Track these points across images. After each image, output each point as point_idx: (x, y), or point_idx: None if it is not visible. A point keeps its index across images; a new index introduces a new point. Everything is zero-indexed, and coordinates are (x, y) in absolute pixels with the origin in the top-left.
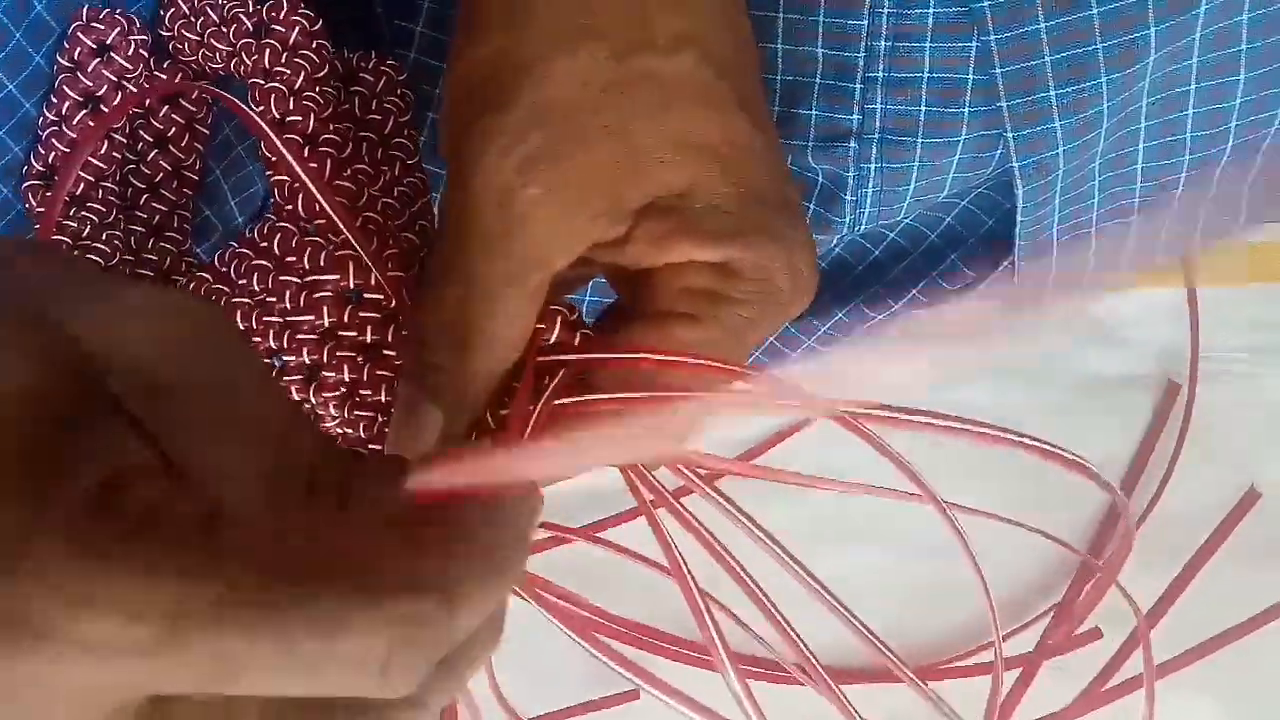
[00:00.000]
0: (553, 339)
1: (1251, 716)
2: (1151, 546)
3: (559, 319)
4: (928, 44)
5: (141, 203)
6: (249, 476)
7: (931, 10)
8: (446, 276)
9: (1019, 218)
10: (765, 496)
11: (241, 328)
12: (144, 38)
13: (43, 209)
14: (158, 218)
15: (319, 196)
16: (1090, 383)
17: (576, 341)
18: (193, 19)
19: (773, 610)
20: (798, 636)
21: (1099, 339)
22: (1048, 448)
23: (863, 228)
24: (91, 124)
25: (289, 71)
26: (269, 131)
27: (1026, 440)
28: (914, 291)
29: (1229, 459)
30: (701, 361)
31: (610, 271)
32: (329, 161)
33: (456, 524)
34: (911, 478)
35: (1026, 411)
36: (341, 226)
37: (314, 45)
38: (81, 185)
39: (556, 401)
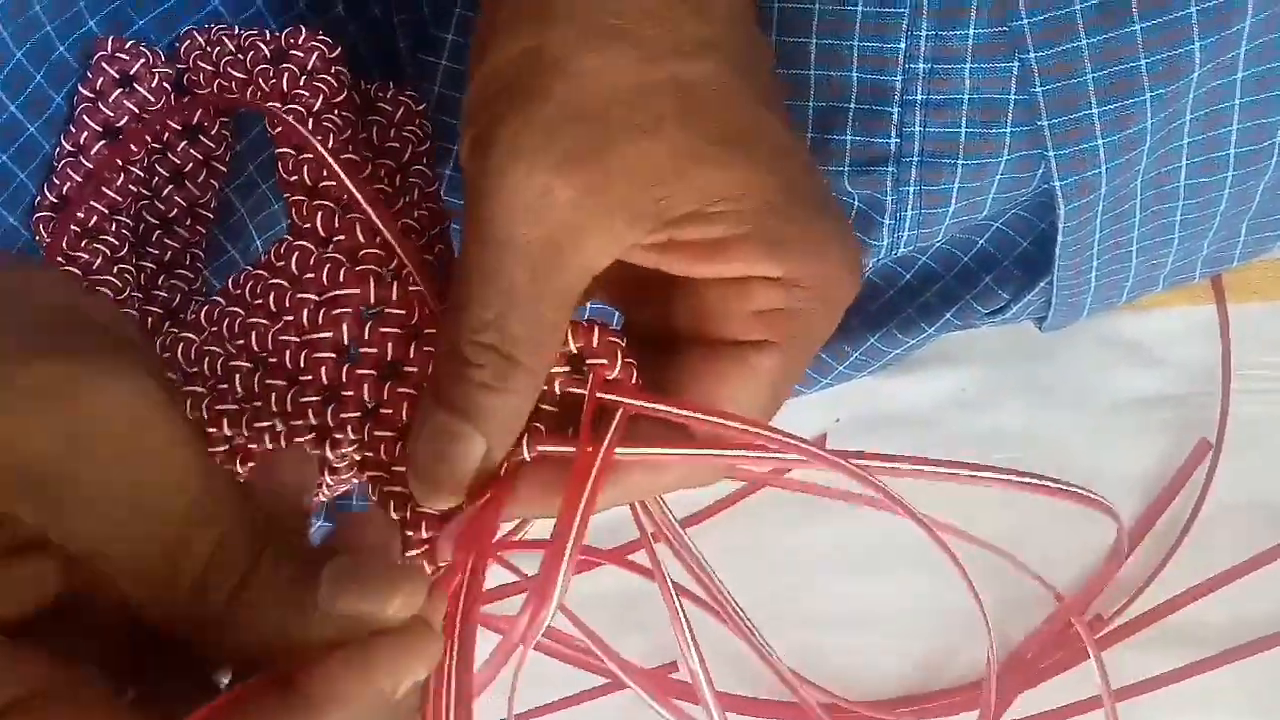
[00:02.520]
0: (614, 374)
1: None
2: (1189, 561)
3: (619, 352)
4: (967, 65)
5: (154, 239)
6: (137, 572)
7: (971, 31)
8: (483, 291)
9: (1060, 238)
10: (813, 516)
11: (256, 349)
12: (168, 70)
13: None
14: (170, 254)
15: (353, 190)
16: (1125, 402)
17: (635, 379)
18: (209, 49)
19: (760, 645)
20: (792, 672)
21: (1134, 358)
22: (1045, 483)
23: (900, 251)
24: (108, 153)
25: (307, 94)
26: (299, 127)
27: (1030, 480)
28: (948, 315)
29: (1267, 476)
30: (776, 436)
31: (631, 286)
32: (353, 169)
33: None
34: (921, 524)
35: (1061, 432)
36: (375, 218)
37: (332, 71)
38: (95, 217)
39: (618, 453)
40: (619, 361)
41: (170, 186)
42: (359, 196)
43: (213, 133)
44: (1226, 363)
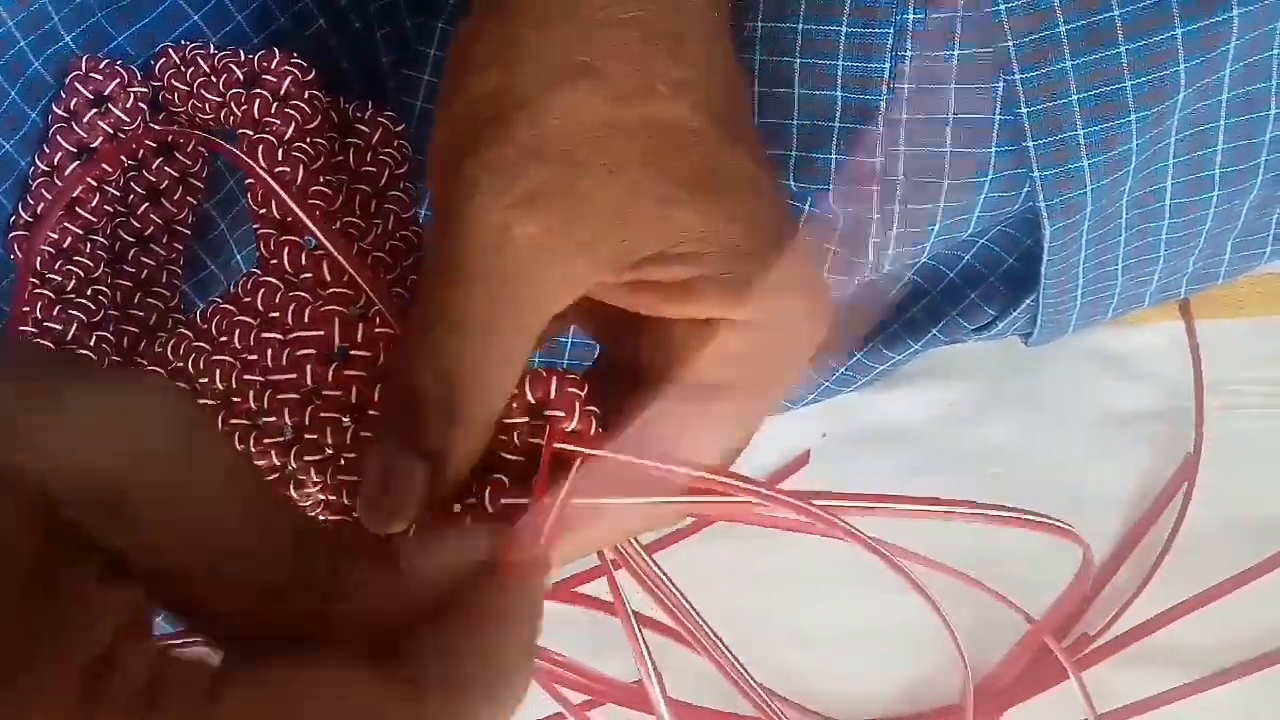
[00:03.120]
0: (573, 425)
1: None
2: (1174, 577)
3: (576, 404)
4: (952, 85)
5: (130, 257)
6: (218, 574)
7: (956, 52)
8: (441, 323)
9: (1045, 257)
10: (796, 535)
11: (220, 388)
12: (143, 90)
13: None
14: (146, 272)
15: (317, 234)
16: (1112, 417)
17: (594, 429)
18: (183, 69)
19: (734, 664)
20: (765, 689)
21: (1120, 373)
22: (1010, 515)
23: (885, 269)
24: (82, 173)
25: (279, 122)
26: (261, 171)
27: (992, 512)
28: (934, 331)
29: (1246, 492)
30: (735, 484)
31: (608, 321)
32: (318, 214)
33: None
34: (889, 561)
35: (1048, 446)
36: (340, 259)
37: (306, 96)
38: (70, 238)
39: (575, 502)
40: (576, 413)
41: (146, 204)
42: (323, 240)
43: (188, 149)
44: (1199, 381)
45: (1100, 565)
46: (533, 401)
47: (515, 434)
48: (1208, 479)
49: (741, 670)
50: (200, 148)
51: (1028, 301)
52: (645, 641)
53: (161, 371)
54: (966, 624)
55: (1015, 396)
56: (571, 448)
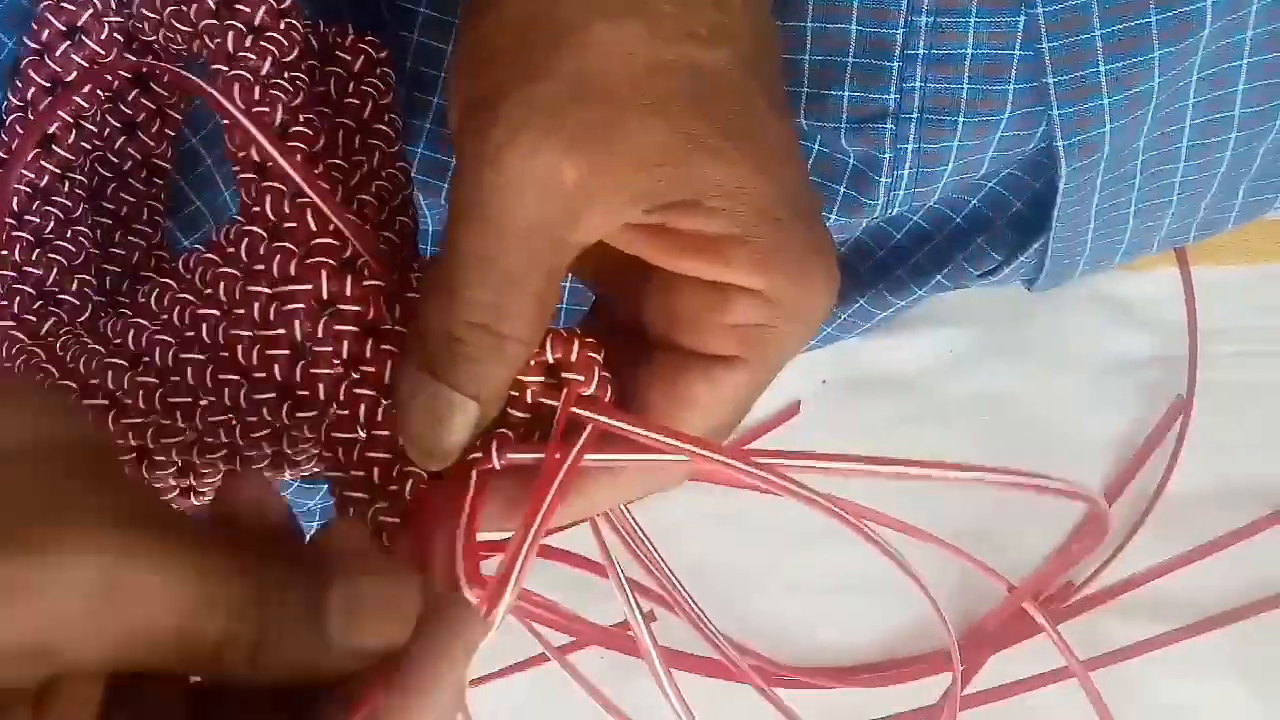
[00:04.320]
0: (590, 390)
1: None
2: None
3: (596, 369)
4: (972, 19)
5: (109, 193)
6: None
7: None
8: (479, 275)
9: (1059, 199)
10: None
11: (209, 342)
12: (118, 19)
13: None
14: (126, 209)
15: (300, 182)
16: (1112, 364)
17: (609, 396)
18: None
19: (700, 618)
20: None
21: (1121, 320)
22: (1018, 479)
23: (895, 210)
24: (57, 110)
25: (254, 57)
26: (240, 116)
27: (990, 476)
28: (938, 277)
29: (1246, 437)
30: (739, 465)
31: (613, 269)
32: (299, 157)
33: None
34: (842, 519)
35: (1047, 393)
36: (326, 210)
37: (282, 26)
38: (47, 177)
39: (586, 459)
40: (595, 378)
41: (123, 138)
42: (306, 189)
43: (165, 80)
44: (1192, 326)
45: (1087, 513)
46: (550, 361)
47: (528, 391)
48: (1207, 424)
49: (713, 629)
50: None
51: (1035, 246)
52: (631, 591)
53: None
54: (960, 569)
55: (1016, 343)
56: (586, 414)
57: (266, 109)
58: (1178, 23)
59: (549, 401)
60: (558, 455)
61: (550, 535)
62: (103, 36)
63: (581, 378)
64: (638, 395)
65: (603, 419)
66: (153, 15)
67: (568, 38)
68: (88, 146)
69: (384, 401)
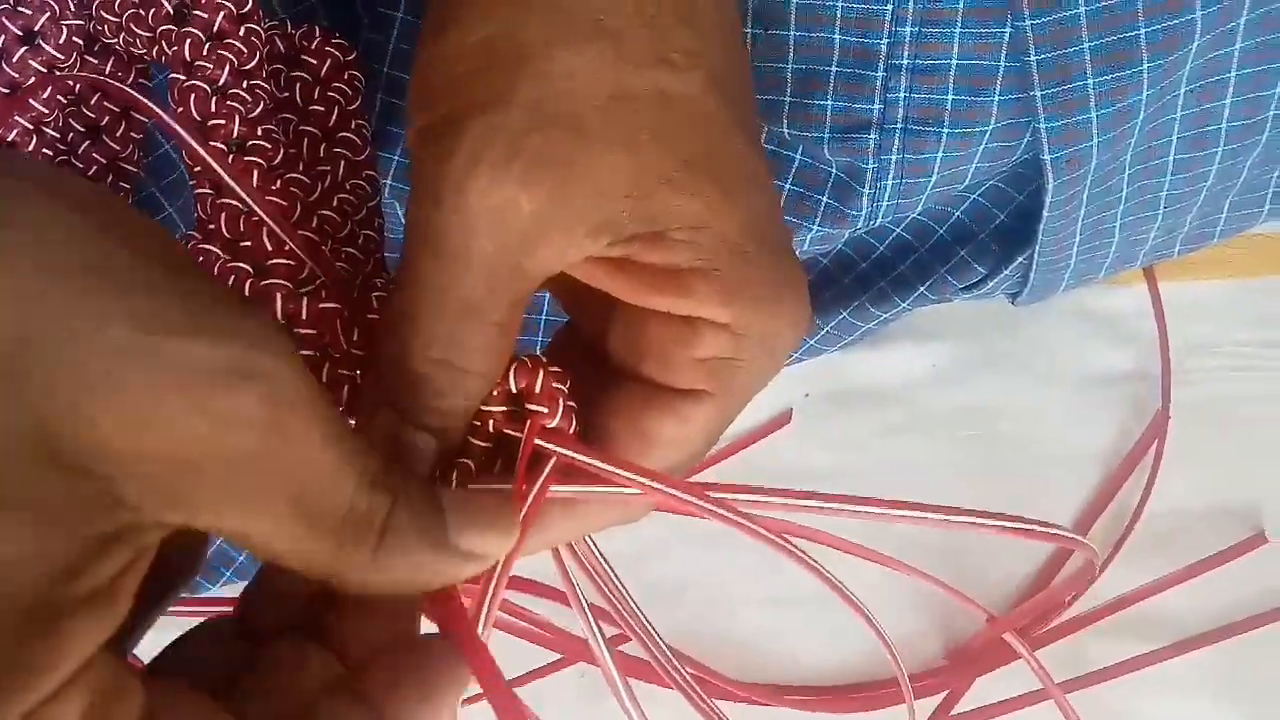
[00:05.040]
0: (554, 422)
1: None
2: (1140, 546)
3: (560, 400)
4: (957, 29)
5: None
6: (278, 544)
7: None
8: (437, 306)
9: (1045, 213)
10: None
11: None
12: (78, 22)
13: None
14: None
15: (255, 208)
16: (1096, 378)
17: (573, 427)
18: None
19: (643, 632)
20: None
21: (1105, 334)
22: (1013, 525)
23: (878, 221)
24: (15, 117)
25: (211, 66)
26: (189, 139)
27: (973, 520)
28: (921, 289)
29: (1230, 453)
30: (709, 507)
31: (579, 295)
32: (255, 173)
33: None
34: (794, 556)
35: (1031, 407)
36: (281, 234)
37: (242, 31)
38: None
39: (552, 490)
40: (559, 409)
41: (88, 142)
42: (259, 211)
43: (129, 82)
44: (1164, 342)
45: (1072, 523)
46: (513, 391)
47: (490, 421)
48: (1189, 439)
49: (669, 656)
50: (141, 80)
51: (1020, 260)
52: (595, 618)
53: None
54: (949, 579)
55: (998, 357)
56: (550, 446)
57: (223, 122)
58: (1167, 36)
59: (512, 432)
60: (523, 487)
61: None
62: (61, 41)
63: (545, 409)
64: (604, 425)
65: (566, 452)
66: (112, 18)
67: (529, 64)
68: (50, 153)
69: None
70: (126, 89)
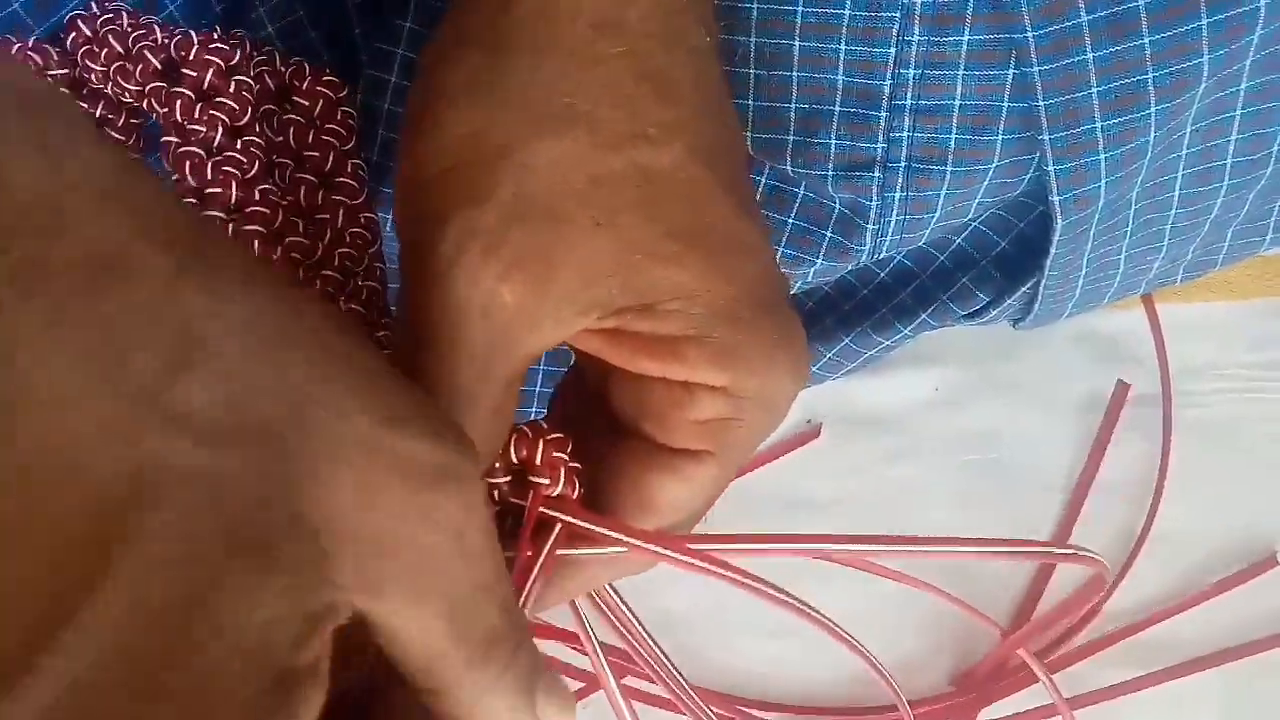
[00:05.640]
0: (556, 492)
1: None
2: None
3: (562, 469)
4: (960, 71)
5: None
6: (432, 640)
7: (966, 38)
8: (433, 392)
9: (1053, 250)
10: (770, 524)
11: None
12: (64, 71)
13: None
14: None
15: None
16: (1099, 400)
17: (577, 493)
18: (96, 48)
19: (674, 676)
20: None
21: (1109, 357)
22: (1026, 549)
23: (882, 254)
24: None
25: (204, 129)
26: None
27: (1008, 549)
28: (923, 316)
29: (1234, 475)
30: (707, 566)
31: (591, 355)
32: (255, 242)
33: None
34: (790, 607)
35: (1035, 432)
36: None
37: (232, 87)
38: None
39: (559, 553)
40: (561, 478)
41: None
42: None
43: (119, 125)
44: (1164, 368)
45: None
46: (515, 461)
47: (495, 492)
48: (1190, 461)
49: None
50: (133, 120)
51: (1023, 289)
52: (605, 656)
53: None
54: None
55: (1001, 381)
56: (554, 513)
57: (220, 190)
58: (1175, 80)
59: (516, 500)
60: (529, 553)
61: None
62: None
63: (547, 480)
64: (608, 485)
65: (570, 519)
66: (98, 67)
67: (507, 158)
68: None
69: None
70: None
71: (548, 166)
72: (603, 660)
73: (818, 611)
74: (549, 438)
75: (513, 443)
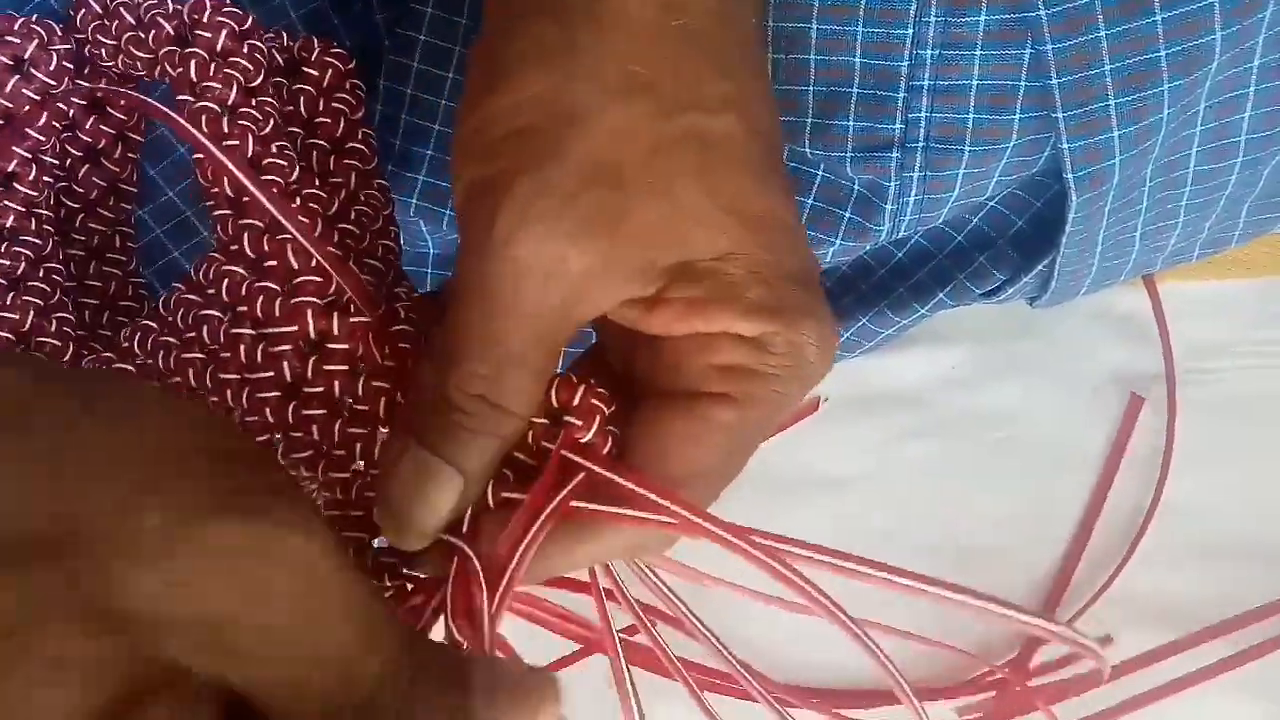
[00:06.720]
0: (589, 436)
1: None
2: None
3: (598, 418)
4: (978, 52)
5: (78, 224)
6: (303, 705)
7: (983, 18)
8: (482, 351)
9: (1068, 228)
10: (788, 501)
11: (194, 385)
12: (66, 47)
13: None
14: (97, 239)
15: (286, 223)
16: (1114, 377)
17: (609, 446)
18: (106, 21)
19: (728, 656)
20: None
21: (1126, 334)
22: (957, 598)
23: (900, 234)
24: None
25: (219, 86)
26: (214, 150)
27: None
28: (941, 295)
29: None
30: (725, 536)
31: (619, 330)
32: (275, 192)
33: None
34: (829, 614)
35: (1052, 410)
36: (308, 246)
37: (245, 49)
38: (12, 217)
39: (574, 504)
40: (594, 425)
41: (86, 166)
42: (290, 227)
43: (122, 104)
44: (1167, 351)
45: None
46: (554, 405)
47: (531, 434)
48: (1202, 437)
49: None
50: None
51: (1039, 267)
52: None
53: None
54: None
55: (1017, 359)
56: (580, 460)
57: (237, 142)
58: (1187, 56)
59: (549, 445)
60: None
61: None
62: (52, 67)
63: (580, 423)
64: (623, 438)
65: (592, 465)
66: (109, 41)
67: (580, 120)
68: (50, 179)
69: (380, 438)
70: (150, 101)
71: (613, 133)
72: (641, 619)
73: (833, 602)
74: (591, 386)
75: (554, 387)
